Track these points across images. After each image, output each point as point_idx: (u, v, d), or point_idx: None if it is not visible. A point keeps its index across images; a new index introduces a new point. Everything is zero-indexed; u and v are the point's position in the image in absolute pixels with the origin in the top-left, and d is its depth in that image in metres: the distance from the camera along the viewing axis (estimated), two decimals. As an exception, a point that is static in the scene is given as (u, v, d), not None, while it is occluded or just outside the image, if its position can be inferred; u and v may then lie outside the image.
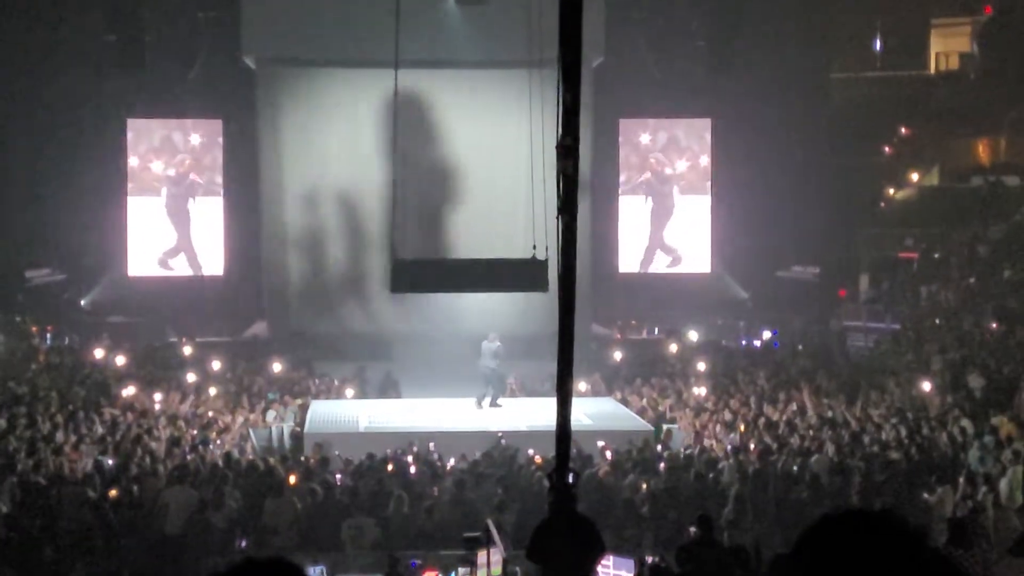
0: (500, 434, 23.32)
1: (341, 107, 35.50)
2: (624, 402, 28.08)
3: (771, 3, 36.46)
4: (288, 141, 36.17)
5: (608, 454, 21.74)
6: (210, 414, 25.25)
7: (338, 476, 20.20)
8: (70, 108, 35.84)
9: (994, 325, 31.57)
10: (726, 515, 18.02)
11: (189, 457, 20.97)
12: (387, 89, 20.78)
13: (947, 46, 43.75)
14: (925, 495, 18.74)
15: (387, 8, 23.06)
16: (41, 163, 36.27)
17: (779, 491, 19.40)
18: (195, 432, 23.35)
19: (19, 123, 36.45)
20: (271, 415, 25.52)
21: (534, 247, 19.18)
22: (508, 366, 28.85)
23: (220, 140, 38.05)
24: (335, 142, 35.65)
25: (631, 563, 14.27)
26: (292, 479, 19.05)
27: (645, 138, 39.07)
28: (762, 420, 24.34)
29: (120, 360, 30.36)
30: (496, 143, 34.27)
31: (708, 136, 39.04)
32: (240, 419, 25.15)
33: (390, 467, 20.48)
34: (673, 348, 33.03)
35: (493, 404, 27.36)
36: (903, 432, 22.31)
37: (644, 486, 19.36)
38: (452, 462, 21.67)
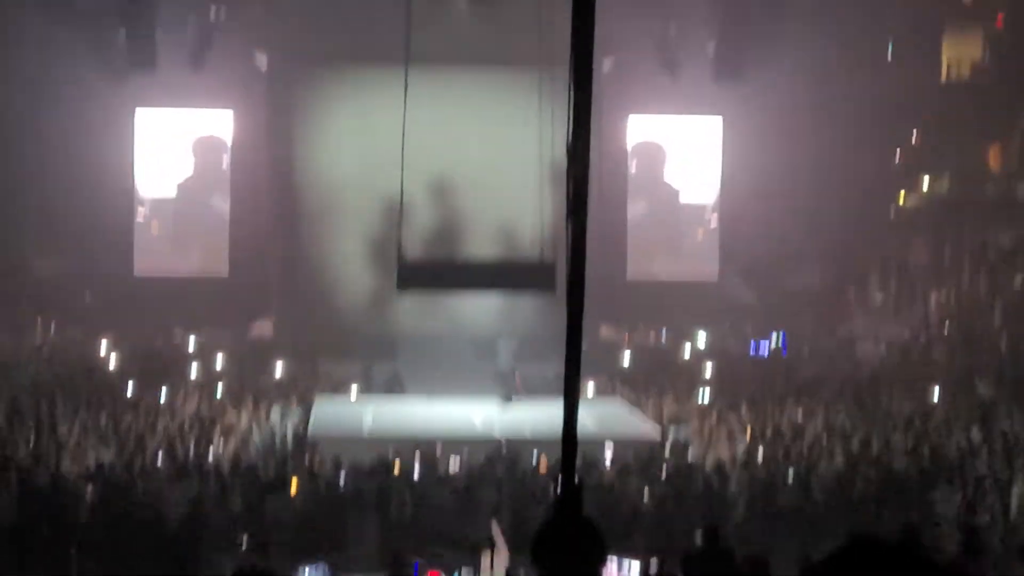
0: (503, 441, 22.97)
1: (351, 103, 35.50)
2: (631, 406, 27.86)
3: (781, 8, 36.20)
4: (298, 136, 36.18)
5: (611, 459, 21.51)
6: (213, 411, 25.08)
7: (342, 473, 20.00)
8: (79, 99, 35.61)
9: (1004, 332, 31.39)
10: (733, 523, 17.81)
11: (191, 455, 20.81)
12: (397, 86, 20.60)
13: (959, 53, 43.50)
14: (930, 495, 18.57)
15: (399, 5, 22.94)
16: (48, 155, 35.99)
17: (787, 499, 19.19)
18: (197, 430, 23.16)
19: (27, 115, 36.22)
20: (275, 414, 25.31)
21: (541, 249, 19.02)
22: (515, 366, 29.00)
23: (229, 132, 37.85)
24: (345, 138, 35.63)
25: (636, 570, 14.11)
26: (294, 486, 18.80)
27: (654, 136, 38.91)
28: (770, 427, 24.13)
29: (124, 356, 30.19)
30: (505, 142, 34.16)
31: (718, 134, 38.90)
32: (244, 418, 24.94)
33: (396, 471, 20.26)
34: (681, 352, 32.84)
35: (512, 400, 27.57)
36: (911, 439, 22.15)
37: (650, 492, 19.16)
38: (456, 465, 21.40)
